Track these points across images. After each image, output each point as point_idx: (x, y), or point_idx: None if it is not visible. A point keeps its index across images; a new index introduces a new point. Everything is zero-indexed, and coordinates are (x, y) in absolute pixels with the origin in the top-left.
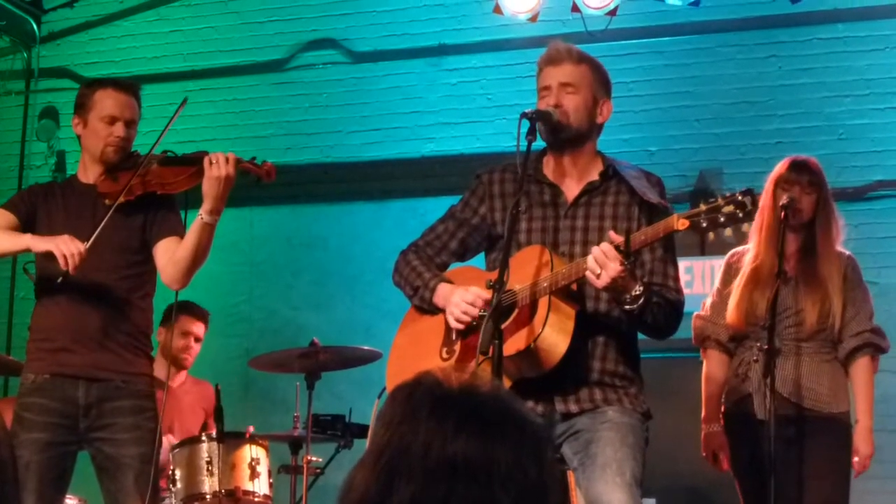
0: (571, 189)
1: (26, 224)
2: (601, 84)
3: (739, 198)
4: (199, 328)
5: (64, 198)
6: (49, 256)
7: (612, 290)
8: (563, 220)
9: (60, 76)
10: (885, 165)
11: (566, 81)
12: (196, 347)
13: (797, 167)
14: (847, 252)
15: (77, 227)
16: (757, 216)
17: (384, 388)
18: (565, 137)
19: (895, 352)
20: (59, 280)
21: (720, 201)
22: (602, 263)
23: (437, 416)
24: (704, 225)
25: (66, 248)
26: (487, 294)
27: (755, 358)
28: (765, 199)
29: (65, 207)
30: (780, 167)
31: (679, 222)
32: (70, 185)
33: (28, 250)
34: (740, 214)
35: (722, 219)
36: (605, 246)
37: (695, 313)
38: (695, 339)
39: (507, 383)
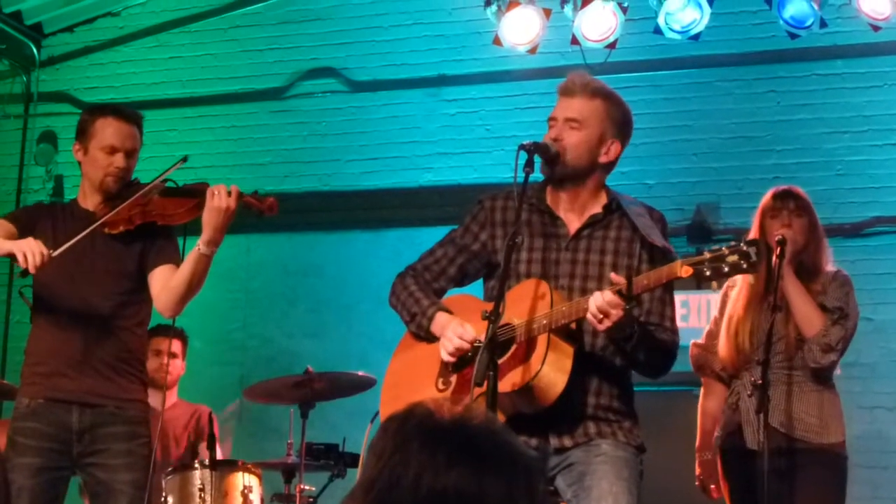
0: (573, 222)
1: (23, 236)
2: (613, 123)
3: (744, 248)
4: (167, 344)
5: (64, 221)
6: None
7: (609, 330)
8: (563, 252)
9: (59, 101)
10: (882, 202)
11: (572, 117)
12: (174, 364)
13: (782, 194)
14: (835, 269)
15: (75, 251)
16: None
17: (377, 413)
18: (560, 174)
19: (889, 388)
20: (20, 274)
21: (725, 250)
22: (606, 312)
23: (429, 449)
24: (708, 273)
25: (28, 248)
26: (481, 332)
27: (749, 393)
28: (754, 233)
29: (65, 231)
30: (765, 199)
31: (683, 269)
32: (71, 209)
33: None
34: (744, 265)
35: (726, 268)
36: (607, 295)
37: (693, 341)
38: (692, 366)
39: (501, 418)
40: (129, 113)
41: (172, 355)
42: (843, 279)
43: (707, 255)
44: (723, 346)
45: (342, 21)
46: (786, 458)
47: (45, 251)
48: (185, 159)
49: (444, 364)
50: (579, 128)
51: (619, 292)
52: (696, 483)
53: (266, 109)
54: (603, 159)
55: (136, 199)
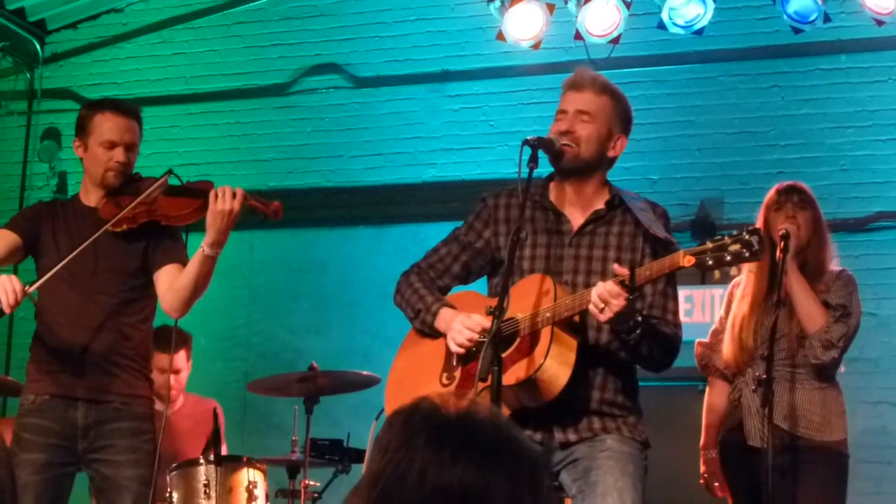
0: (576, 217)
1: (29, 244)
2: (619, 118)
3: (746, 237)
4: (167, 360)
5: (66, 219)
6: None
7: (612, 321)
8: (567, 248)
9: (63, 97)
10: (886, 197)
11: (583, 109)
12: (178, 379)
13: (786, 189)
14: (839, 269)
15: (77, 249)
16: None
17: (382, 411)
18: (571, 166)
19: (893, 383)
20: None
21: (727, 240)
22: (606, 301)
23: (434, 444)
24: (710, 263)
25: (1, 287)
26: (488, 321)
27: (753, 388)
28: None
29: (67, 229)
30: (769, 194)
31: (685, 259)
32: (72, 205)
33: None
34: (746, 254)
35: (728, 257)
36: (609, 284)
37: (698, 340)
38: (697, 365)
39: (506, 412)
40: (126, 107)
41: (175, 371)
42: (848, 278)
43: (709, 244)
44: (727, 346)
45: (345, 17)
46: (787, 455)
47: (19, 288)
48: (170, 172)
49: (449, 359)
50: (591, 120)
51: (621, 283)
52: (701, 481)
53: (269, 105)
54: (611, 153)
55: (140, 200)
